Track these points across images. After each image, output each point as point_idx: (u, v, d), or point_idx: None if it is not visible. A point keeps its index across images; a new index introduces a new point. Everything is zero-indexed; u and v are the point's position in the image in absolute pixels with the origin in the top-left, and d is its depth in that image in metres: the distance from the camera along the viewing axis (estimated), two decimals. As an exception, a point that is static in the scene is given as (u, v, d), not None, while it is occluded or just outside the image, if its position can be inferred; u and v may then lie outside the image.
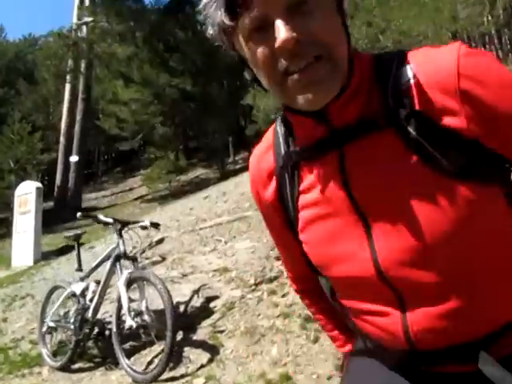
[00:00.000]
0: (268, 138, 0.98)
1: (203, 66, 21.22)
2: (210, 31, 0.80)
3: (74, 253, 5.21)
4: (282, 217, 0.95)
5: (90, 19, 21.31)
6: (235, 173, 16.47)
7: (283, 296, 4.37)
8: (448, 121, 0.73)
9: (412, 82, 0.75)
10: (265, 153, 0.97)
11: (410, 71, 0.75)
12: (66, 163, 20.17)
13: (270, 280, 4.68)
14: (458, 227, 0.74)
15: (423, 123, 0.73)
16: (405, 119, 0.74)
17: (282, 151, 0.91)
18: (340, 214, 0.82)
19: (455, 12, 15.00)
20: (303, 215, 0.89)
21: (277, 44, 0.69)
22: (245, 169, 17.36)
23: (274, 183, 0.94)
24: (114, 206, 19.12)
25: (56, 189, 20.44)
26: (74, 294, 4.51)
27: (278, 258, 4.73)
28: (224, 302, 4.56)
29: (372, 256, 0.79)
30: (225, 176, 17.20)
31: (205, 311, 4.52)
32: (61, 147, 21.00)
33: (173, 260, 5.69)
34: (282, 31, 0.68)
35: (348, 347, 1.10)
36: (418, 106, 0.74)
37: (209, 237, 6.10)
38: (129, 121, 20.18)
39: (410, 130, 0.74)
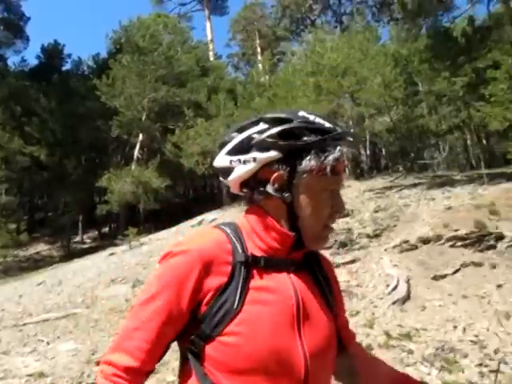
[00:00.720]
0: (217, 236, 1.14)
1: (63, 137, 20.67)
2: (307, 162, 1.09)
3: None
4: (194, 304, 1.06)
5: None
6: (81, 253, 15.83)
7: (97, 406, 4.36)
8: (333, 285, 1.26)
9: (322, 263, 1.27)
10: (222, 246, 1.11)
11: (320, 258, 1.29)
12: None
13: (87, 388, 4.65)
14: (334, 342, 1.17)
15: (326, 278, 1.23)
16: (320, 274, 1.23)
17: (240, 250, 1.10)
18: (285, 316, 1.07)
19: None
20: (248, 309, 1.05)
21: (339, 209, 1.15)
22: (92, 250, 16.82)
23: (228, 273, 1.07)
24: None
25: None
26: None
27: (97, 363, 4.73)
28: (32, 413, 4.38)
29: (303, 352, 1.06)
30: (69, 256, 16.40)
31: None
32: None
33: (-16, 362, 5.29)
34: (343, 202, 1.16)
35: None
36: (324, 272, 1.25)
37: (31, 335, 5.83)
38: (-32, 183, 18.46)
39: (321, 279, 1.21)
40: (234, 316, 1.03)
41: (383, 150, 24.33)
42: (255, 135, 1.11)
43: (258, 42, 36.99)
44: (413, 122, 16.90)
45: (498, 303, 5.99)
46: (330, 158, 1.08)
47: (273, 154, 1.08)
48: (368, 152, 21.80)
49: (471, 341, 5.17)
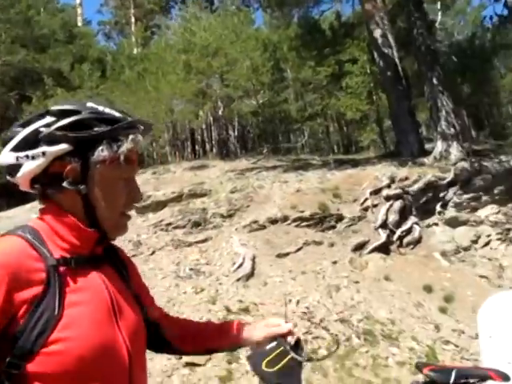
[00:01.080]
0: (18, 244, 1.05)
1: None
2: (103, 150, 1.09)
3: None
4: (5, 322, 0.97)
5: None
6: None
7: None
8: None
9: (118, 252, 1.32)
10: (27, 253, 1.03)
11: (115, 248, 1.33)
12: None
13: None
14: (142, 324, 1.22)
15: (125, 266, 1.30)
16: (119, 264, 1.27)
17: (48, 255, 1.04)
18: (102, 312, 1.09)
19: (171, 106, 16.99)
20: (69, 312, 1.02)
21: (135, 197, 1.19)
22: None
23: (43, 281, 1.01)
24: None
25: None
26: None
27: None
28: None
29: (124, 340, 1.10)
30: None
31: None
32: None
33: None
34: (139, 190, 1.21)
35: None
36: (123, 261, 1.31)
37: None
38: None
39: (121, 268, 1.26)
40: (56, 322, 1.00)
41: (251, 132, 25.04)
42: (42, 128, 1.07)
43: (132, 11, 35.29)
44: (277, 106, 17.68)
45: (331, 278, 6.68)
46: (123, 147, 1.10)
47: (63, 146, 1.06)
48: (236, 133, 22.31)
49: (303, 312, 5.72)
